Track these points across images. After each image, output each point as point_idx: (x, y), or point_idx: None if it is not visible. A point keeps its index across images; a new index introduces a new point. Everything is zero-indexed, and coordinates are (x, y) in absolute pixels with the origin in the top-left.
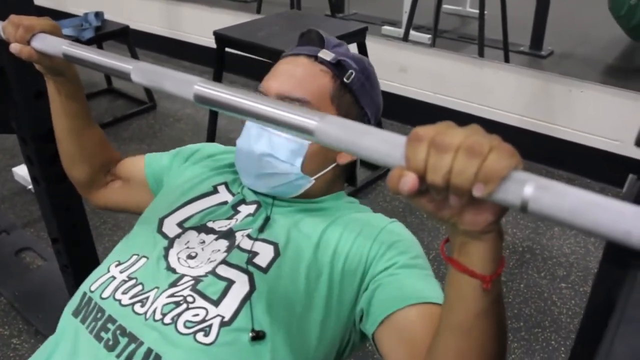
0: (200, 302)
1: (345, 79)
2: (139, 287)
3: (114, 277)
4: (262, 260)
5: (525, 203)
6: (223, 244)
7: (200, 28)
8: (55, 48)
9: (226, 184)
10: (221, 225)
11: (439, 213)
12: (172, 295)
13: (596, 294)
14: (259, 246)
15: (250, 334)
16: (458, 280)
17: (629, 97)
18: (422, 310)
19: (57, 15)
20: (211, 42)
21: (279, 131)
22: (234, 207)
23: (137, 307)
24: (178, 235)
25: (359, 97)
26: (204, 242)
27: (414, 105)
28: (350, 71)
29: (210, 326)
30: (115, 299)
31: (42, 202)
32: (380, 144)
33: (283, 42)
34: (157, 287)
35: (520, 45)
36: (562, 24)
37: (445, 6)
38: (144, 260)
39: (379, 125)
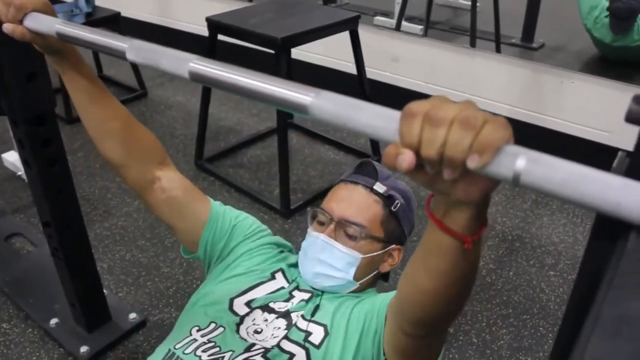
0: None
1: (392, 208)
2: (217, 349)
3: (195, 340)
4: (315, 338)
5: (517, 176)
6: (282, 322)
7: (191, 15)
8: (49, 27)
9: (282, 271)
10: (280, 306)
11: (433, 185)
12: (247, 359)
13: (585, 270)
14: (312, 327)
15: None
16: (438, 234)
17: (618, 87)
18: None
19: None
20: (202, 30)
21: (275, 107)
22: (290, 292)
23: None
24: (247, 314)
25: (402, 222)
26: (267, 320)
27: (405, 94)
28: (397, 202)
29: None
30: (195, 355)
31: (34, 186)
32: (375, 118)
33: (276, 29)
34: (233, 351)
35: (512, 38)
36: (553, 17)
37: None
38: (221, 329)
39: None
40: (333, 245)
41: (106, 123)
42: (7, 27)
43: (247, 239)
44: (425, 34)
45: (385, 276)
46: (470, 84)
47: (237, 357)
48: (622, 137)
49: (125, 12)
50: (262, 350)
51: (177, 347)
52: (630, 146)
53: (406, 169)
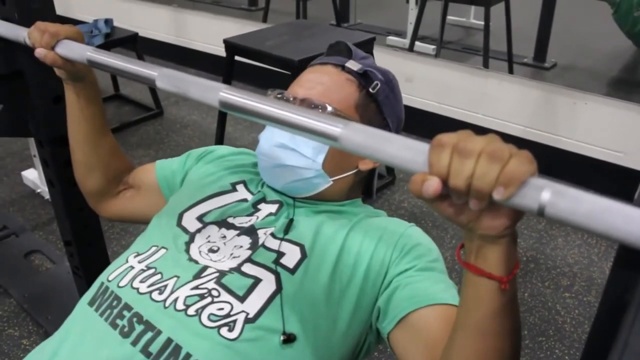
0: (225, 296)
1: (370, 89)
2: (158, 276)
3: (132, 267)
4: (289, 261)
5: (542, 208)
6: (245, 240)
7: (207, 36)
8: (80, 54)
9: (244, 183)
10: (242, 221)
11: (457, 218)
12: (196, 287)
13: (608, 298)
14: (285, 246)
15: (282, 337)
16: (475, 282)
17: (632, 109)
18: (438, 311)
19: (65, 22)
20: (217, 50)
21: (304, 137)
22: (254, 205)
23: (155, 295)
24: (199, 230)
25: (382, 108)
26: (225, 237)
27: (419, 115)
28: (375, 82)
29: (234, 321)
30: (132, 287)
31: (57, 205)
32: (404, 150)
33: (292, 51)
34: (178, 276)
35: (524, 57)
36: (565, 36)
37: (449, 17)
38: (163, 250)
39: None
40: None
41: (102, 153)
42: (40, 52)
43: (204, 157)
44: (438, 54)
45: (368, 189)
46: (483, 104)
47: (184, 284)
48: (636, 158)
49: (143, 33)
50: (217, 275)
51: (110, 278)
52: None
53: (432, 194)
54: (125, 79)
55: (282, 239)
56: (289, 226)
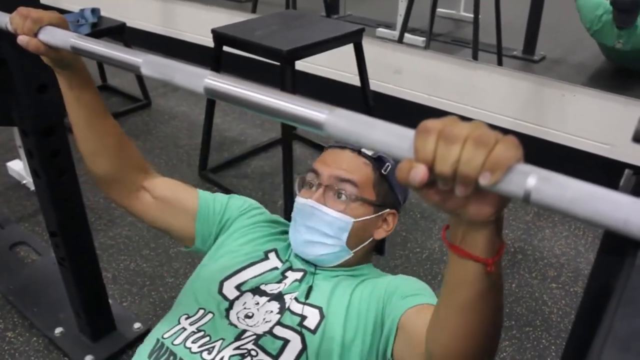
0: (262, 355)
1: (383, 171)
2: (207, 338)
3: (184, 329)
4: (311, 323)
5: (528, 193)
6: (275, 305)
7: (195, 26)
8: (64, 41)
9: (276, 251)
10: (272, 288)
11: (444, 204)
12: (237, 348)
13: (593, 283)
14: (307, 310)
15: None
16: (460, 264)
17: (619, 101)
18: (419, 307)
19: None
20: (206, 41)
21: (290, 124)
22: (283, 273)
23: (205, 355)
24: (237, 297)
25: (393, 186)
26: (258, 303)
27: (408, 106)
28: (387, 164)
29: None
30: (185, 347)
31: (42, 196)
32: (389, 136)
33: (281, 41)
34: (223, 339)
35: (513, 50)
36: (555, 30)
37: (438, 9)
38: (210, 315)
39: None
40: (322, 210)
41: (104, 139)
42: (22, 39)
43: (242, 215)
44: (427, 46)
45: (380, 249)
46: (473, 96)
47: (227, 345)
48: (623, 151)
49: (131, 23)
50: (254, 337)
51: (165, 336)
52: (630, 159)
53: (419, 182)
54: (112, 68)
55: (304, 303)
56: (309, 292)
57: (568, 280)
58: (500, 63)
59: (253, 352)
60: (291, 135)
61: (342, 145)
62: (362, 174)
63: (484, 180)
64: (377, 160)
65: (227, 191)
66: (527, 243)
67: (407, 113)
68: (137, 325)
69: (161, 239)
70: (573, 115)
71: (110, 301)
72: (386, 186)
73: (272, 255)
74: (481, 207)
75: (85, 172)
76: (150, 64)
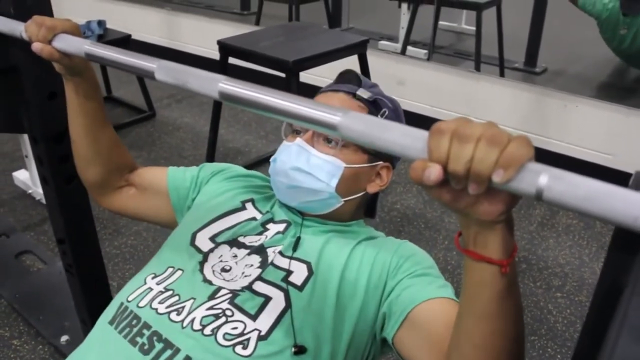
0: (238, 315)
1: (380, 116)
2: (176, 298)
3: (150, 289)
4: (297, 278)
5: (540, 191)
6: (255, 259)
7: (200, 38)
8: (77, 48)
9: (253, 201)
10: (252, 240)
11: (455, 203)
12: (211, 308)
13: (604, 280)
14: (293, 265)
15: (293, 349)
16: (476, 268)
17: (621, 112)
18: (437, 304)
19: None
20: (210, 53)
21: (304, 126)
22: (263, 225)
23: (173, 315)
24: (211, 250)
25: None
26: (236, 256)
27: (411, 118)
28: (384, 109)
29: (248, 339)
30: (151, 308)
31: (50, 203)
32: (403, 137)
33: (287, 52)
34: (194, 298)
35: (515, 62)
36: (556, 42)
37: (440, 22)
38: (179, 272)
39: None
40: (310, 151)
41: (102, 146)
42: (37, 46)
43: (216, 175)
44: (429, 58)
45: (372, 211)
46: (475, 107)
47: (199, 305)
48: (625, 160)
49: (136, 35)
50: (230, 295)
51: (130, 299)
52: (633, 169)
53: (434, 181)
54: (117, 79)
55: (290, 257)
56: (296, 244)
57: (573, 290)
58: (502, 75)
59: (228, 312)
60: None
61: (335, 88)
62: None
63: (497, 178)
64: (373, 104)
65: None
66: (531, 253)
67: (410, 124)
68: None
69: None
70: (575, 126)
71: None
72: None
73: (249, 205)
74: (491, 206)
75: None
76: (165, 69)
